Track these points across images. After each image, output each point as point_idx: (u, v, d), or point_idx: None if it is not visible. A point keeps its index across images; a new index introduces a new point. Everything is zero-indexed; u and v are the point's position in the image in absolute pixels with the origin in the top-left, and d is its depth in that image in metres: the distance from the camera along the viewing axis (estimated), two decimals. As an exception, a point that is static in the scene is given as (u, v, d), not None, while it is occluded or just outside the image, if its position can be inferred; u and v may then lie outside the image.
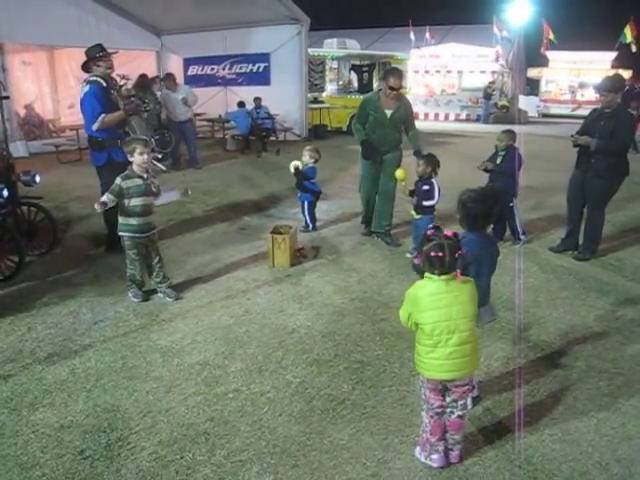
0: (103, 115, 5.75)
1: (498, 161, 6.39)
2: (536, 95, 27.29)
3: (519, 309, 4.77)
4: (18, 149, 12.29)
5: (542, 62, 26.88)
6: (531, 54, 27.19)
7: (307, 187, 7.04)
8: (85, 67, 6.03)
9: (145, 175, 4.86)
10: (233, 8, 14.07)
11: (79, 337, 4.34)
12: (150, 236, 4.99)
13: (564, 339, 4.29)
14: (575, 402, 3.48)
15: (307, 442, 3.11)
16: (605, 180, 5.81)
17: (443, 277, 2.78)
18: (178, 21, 15.53)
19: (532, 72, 27.88)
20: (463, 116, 24.02)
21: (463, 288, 2.84)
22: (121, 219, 4.86)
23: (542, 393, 3.58)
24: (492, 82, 23.02)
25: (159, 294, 5.14)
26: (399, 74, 6.35)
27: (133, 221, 4.83)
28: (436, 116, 24.27)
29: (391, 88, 6.18)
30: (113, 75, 6.27)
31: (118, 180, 4.74)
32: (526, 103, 25.45)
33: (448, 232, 2.85)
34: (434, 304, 2.77)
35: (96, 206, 4.59)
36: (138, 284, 5.08)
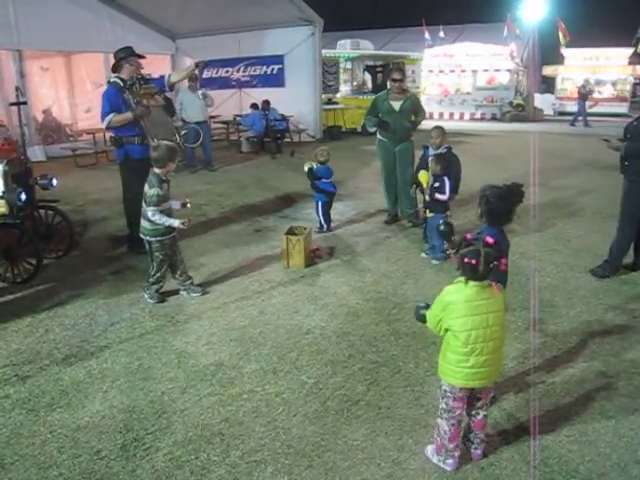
0: (111, 115, 5.94)
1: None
2: (552, 93, 27.07)
3: (535, 308, 4.73)
4: (36, 153, 12.45)
5: (558, 60, 26.66)
6: (546, 52, 26.98)
7: (319, 187, 7.04)
8: (114, 68, 6.24)
9: (166, 178, 4.96)
10: (247, 11, 14.15)
11: (95, 339, 4.38)
12: (174, 236, 5.08)
13: (581, 338, 4.25)
14: (592, 402, 3.43)
15: (321, 443, 3.11)
16: (635, 185, 5.27)
17: (477, 283, 2.70)
18: (192, 24, 15.62)
19: (548, 70, 27.66)
20: (478, 115, 23.89)
21: (498, 297, 2.77)
22: (149, 224, 4.88)
23: (559, 393, 3.54)
24: (586, 80, 22.71)
25: (182, 292, 5.21)
26: (399, 68, 7.51)
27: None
28: (451, 115, 24.15)
29: (394, 80, 6.98)
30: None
31: (157, 191, 4.76)
32: (542, 101, 25.25)
33: (489, 239, 2.77)
34: (471, 311, 2.69)
35: (185, 227, 4.86)
36: (160, 286, 5.13)
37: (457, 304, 2.70)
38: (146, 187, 4.85)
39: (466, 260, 2.67)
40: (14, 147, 9.28)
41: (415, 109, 7.19)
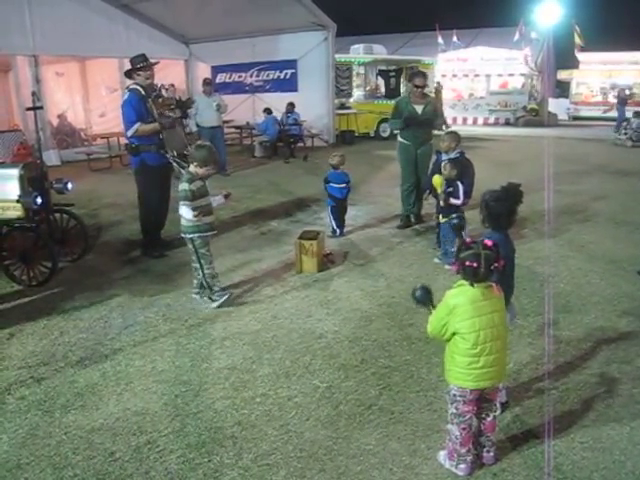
0: (138, 124, 6.03)
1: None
2: (566, 97, 26.88)
3: (549, 314, 4.71)
4: (51, 158, 12.59)
5: (573, 64, 26.49)
6: (561, 56, 26.79)
7: (327, 191, 7.09)
8: (127, 74, 6.35)
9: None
10: (260, 16, 14.25)
11: (110, 341, 4.42)
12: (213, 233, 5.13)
13: (595, 345, 4.21)
14: (607, 409, 3.41)
15: (334, 447, 3.11)
16: None
17: (479, 285, 2.74)
18: (206, 30, 15.77)
19: (562, 74, 27.48)
20: (491, 120, 23.78)
21: (498, 296, 2.84)
22: (187, 222, 4.88)
23: (572, 400, 3.51)
24: (629, 88, 22.25)
25: (195, 296, 5.22)
26: (422, 75, 7.60)
27: (206, 219, 4.92)
28: (464, 120, 24.07)
29: (416, 86, 7.29)
30: (157, 83, 6.48)
31: (186, 186, 4.77)
32: (556, 106, 25.09)
33: (488, 241, 2.80)
34: (477, 311, 2.73)
35: (195, 220, 4.79)
36: (217, 283, 5.12)
37: (462, 306, 2.73)
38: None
39: (467, 263, 2.71)
40: (30, 151, 9.39)
41: (435, 113, 7.46)
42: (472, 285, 2.74)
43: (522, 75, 23.30)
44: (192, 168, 4.94)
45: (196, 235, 4.92)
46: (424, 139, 7.40)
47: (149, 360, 4.11)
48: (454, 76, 24.41)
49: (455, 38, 25.07)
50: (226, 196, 5.20)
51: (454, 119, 23.83)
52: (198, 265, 5.03)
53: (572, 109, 25.86)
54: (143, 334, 4.54)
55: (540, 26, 22.62)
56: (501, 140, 17.92)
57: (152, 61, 6.32)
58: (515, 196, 3.33)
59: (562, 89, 28.04)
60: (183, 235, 5.00)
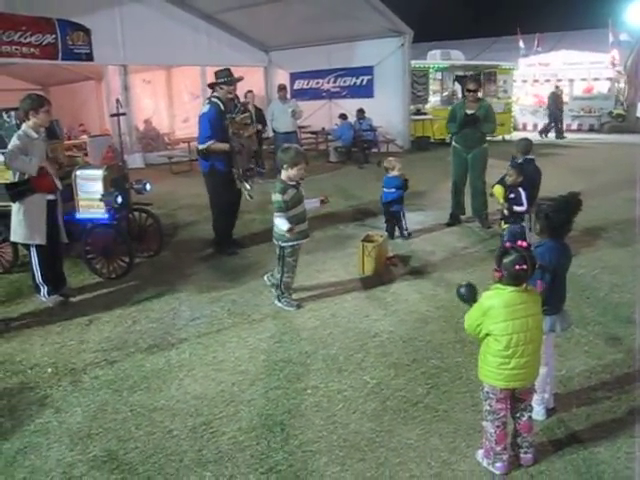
0: (211, 142, 6.32)
1: None
2: (657, 102, 25.53)
3: (610, 324, 4.62)
4: (136, 160, 13.37)
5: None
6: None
7: None
8: (211, 86, 6.69)
9: (295, 183, 4.95)
10: (337, 23, 14.49)
11: (177, 332, 4.74)
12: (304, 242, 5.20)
13: (657, 357, 4.10)
14: (661, 422, 3.33)
15: (376, 439, 3.24)
16: None
17: (516, 288, 2.80)
18: (285, 37, 16.19)
19: (654, 78, 26.11)
20: (574, 126, 22.91)
21: (534, 299, 2.87)
22: (279, 230, 4.90)
23: (624, 410, 3.45)
24: None
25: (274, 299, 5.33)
26: (475, 79, 8.26)
27: (300, 227, 4.92)
28: (545, 127, 23.33)
29: (468, 90, 7.54)
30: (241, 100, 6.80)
31: (279, 197, 4.78)
32: (645, 112, 23.88)
33: (522, 243, 2.85)
34: (511, 315, 2.78)
35: (288, 234, 4.79)
36: (292, 292, 5.27)
37: (497, 309, 2.78)
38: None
39: (517, 267, 2.75)
40: (115, 154, 10.01)
41: (485, 117, 7.47)
42: (515, 285, 2.78)
43: (608, 79, 22.34)
44: (283, 174, 4.87)
45: (286, 244, 4.96)
46: (475, 143, 7.54)
47: (211, 350, 4.38)
48: (535, 81, 23.70)
49: (537, 43, 24.37)
50: (322, 201, 5.22)
51: (534, 125, 23.16)
52: (279, 269, 5.10)
53: (663, 115, 24.54)
54: (208, 326, 4.83)
55: (631, 27, 21.64)
56: (583, 147, 17.31)
57: (235, 77, 6.56)
58: (575, 205, 3.31)
59: (653, 94, 26.64)
60: (275, 241, 5.03)
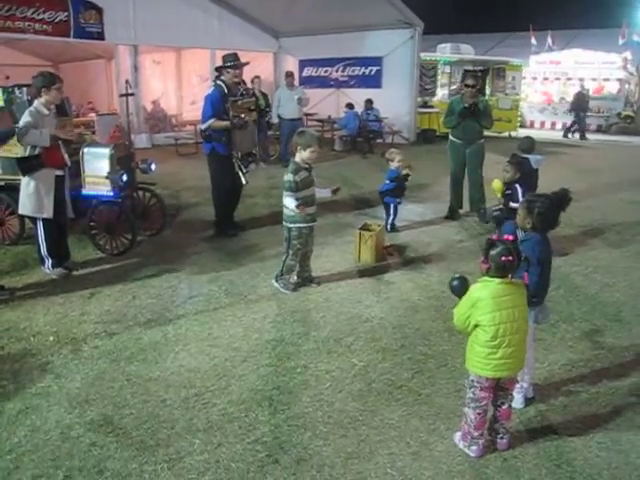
0: (212, 120, 6.46)
1: None
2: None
3: (597, 321, 4.75)
4: (143, 140, 13.49)
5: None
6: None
7: None
8: (217, 69, 6.80)
9: (307, 166, 5.10)
10: (348, 12, 14.49)
11: (175, 308, 4.91)
12: (314, 225, 5.32)
13: (638, 356, 4.20)
14: (634, 416, 3.44)
15: (359, 417, 3.40)
16: None
17: (503, 280, 2.92)
18: (296, 24, 16.20)
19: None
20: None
21: (520, 291, 3.00)
22: (288, 211, 5.04)
23: (600, 403, 3.58)
24: None
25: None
26: (473, 75, 8.19)
27: (308, 210, 5.05)
28: (553, 125, 23.30)
29: (467, 85, 7.62)
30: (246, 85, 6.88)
31: (291, 177, 4.93)
32: (655, 114, 23.81)
33: (508, 236, 2.99)
34: (499, 305, 2.90)
35: (297, 211, 4.91)
36: (292, 275, 5.37)
37: (485, 300, 2.90)
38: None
39: (503, 259, 2.87)
40: (122, 133, 10.15)
41: (483, 112, 7.57)
42: (501, 277, 2.90)
43: (618, 80, 22.30)
44: (297, 156, 5.03)
45: (295, 226, 5.08)
46: (473, 138, 7.67)
47: (207, 327, 4.54)
48: (545, 79, 23.66)
49: (550, 40, 24.27)
50: (334, 191, 5.34)
51: (542, 123, 23.17)
52: (285, 250, 5.23)
53: (672, 118, 24.47)
54: (205, 304, 4.99)
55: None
56: (588, 147, 17.34)
57: (242, 62, 6.70)
58: (566, 202, 3.44)
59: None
60: (284, 223, 5.15)
